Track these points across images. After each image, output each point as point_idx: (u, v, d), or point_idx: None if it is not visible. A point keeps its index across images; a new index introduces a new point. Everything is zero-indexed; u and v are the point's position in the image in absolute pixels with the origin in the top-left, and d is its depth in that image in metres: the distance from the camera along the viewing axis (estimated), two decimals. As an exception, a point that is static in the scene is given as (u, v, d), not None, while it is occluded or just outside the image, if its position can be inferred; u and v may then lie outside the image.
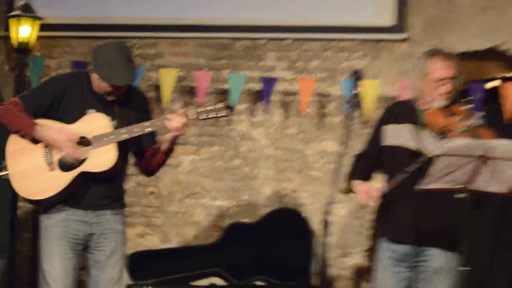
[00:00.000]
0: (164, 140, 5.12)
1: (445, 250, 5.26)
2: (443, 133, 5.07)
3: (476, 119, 5.13)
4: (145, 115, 5.26)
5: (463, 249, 5.18)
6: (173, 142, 5.15)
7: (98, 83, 5.06)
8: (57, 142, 4.97)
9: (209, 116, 5.08)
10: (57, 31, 7.99)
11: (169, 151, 5.20)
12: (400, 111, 5.41)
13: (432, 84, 5.21)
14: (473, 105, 5.20)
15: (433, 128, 5.14)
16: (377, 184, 5.18)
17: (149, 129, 5.04)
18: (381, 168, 5.31)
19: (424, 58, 5.30)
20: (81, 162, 5.01)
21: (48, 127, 5.01)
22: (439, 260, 5.26)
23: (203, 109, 5.08)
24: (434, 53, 5.30)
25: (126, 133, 4.99)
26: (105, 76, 5.00)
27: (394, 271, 5.37)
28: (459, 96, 5.28)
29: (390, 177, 5.27)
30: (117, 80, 5.01)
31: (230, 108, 5.10)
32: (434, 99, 5.22)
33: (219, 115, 5.07)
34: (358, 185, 5.24)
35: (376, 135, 5.46)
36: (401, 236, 5.31)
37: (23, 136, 5.03)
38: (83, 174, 5.01)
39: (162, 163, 5.30)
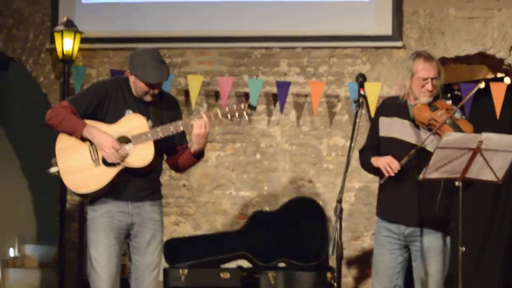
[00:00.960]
0: (193, 141, 5.09)
1: (435, 231, 5.26)
2: (428, 125, 5.11)
3: (456, 113, 5.17)
4: (177, 116, 5.27)
5: (454, 229, 5.20)
6: (202, 145, 5.11)
7: (135, 85, 5.08)
8: (101, 144, 4.99)
9: (235, 115, 5.06)
10: (96, 43, 7.97)
11: (199, 155, 5.19)
12: (390, 106, 5.42)
13: (417, 83, 5.24)
14: (452, 101, 5.24)
15: (420, 121, 5.16)
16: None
17: (182, 128, 5.04)
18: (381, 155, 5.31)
19: (410, 60, 5.32)
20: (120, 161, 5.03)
21: (95, 128, 5.03)
22: (429, 240, 5.27)
23: (228, 109, 5.07)
24: (418, 55, 5.32)
25: (161, 132, 5.00)
26: (140, 76, 5.02)
27: (391, 248, 5.38)
28: (442, 92, 5.32)
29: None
30: (152, 78, 5.03)
31: (251, 107, 5.09)
32: (420, 95, 5.24)
33: (243, 114, 5.06)
34: (378, 159, 5.25)
35: (373, 128, 5.50)
36: (394, 216, 5.34)
37: (71, 135, 5.03)
38: (126, 169, 5.02)
39: (191, 164, 5.29)
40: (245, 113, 5.05)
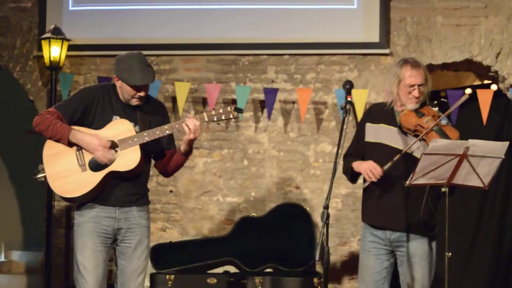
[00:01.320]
0: (182, 142, 5.14)
1: (421, 236, 5.28)
2: (414, 131, 5.13)
3: (443, 120, 5.19)
4: (164, 120, 5.29)
5: (440, 235, 5.21)
6: (191, 144, 5.17)
7: (122, 89, 5.11)
8: (90, 146, 5.00)
9: (222, 118, 5.08)
10: (83, 50, 7.97)
11: (187, 153, 5.22)
12: (377, 113, 5.44)
13: (404, 90, 5.25)
14: (438, 108, 5.26)
15: (406, 127, 5.17)
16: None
17: (168, 132, 5.06)
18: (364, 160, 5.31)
19: (398, 66, 5.33)
20: (110, 163, 5.04)
21: (81, 132, 5.04)
22: (415, 245, 5.28)
23: (215, 112, 5.08)
24: (405, 62, 5.33)
25: (148, 136, 5.02)
26: (127, 79, 5.05)
27: (376, 253, 5.40)
28: (429, 99, 5.34)
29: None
30: (137, 81, 5.06)
31: (238, 110, 5.09)
32: (407, 102, 5.26)
33: (229, 117, 5.08)
34: (360, 164, 5.26)
35: (358, 134, 5.51)
36: (380, 222, 5.35)
37: (58, 141, 5.05)
38: (112, 173, 5.04)
39: (180, 164, 5.32)
40: (231, 115, 5.07)
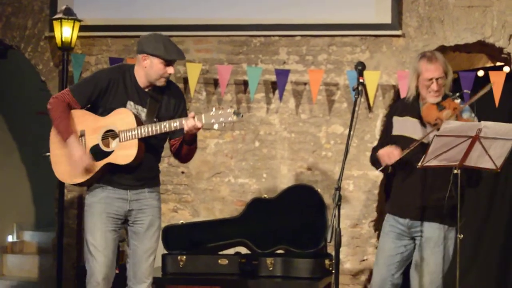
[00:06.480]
0: (184, 133, 5.15)
1: (437, 223, 5.31)
2: (435, 125, 5.14)
3: (465, 113, 5.20)
4: (180, 104, 5.32)
5: (455, 221, 5.23)
6: (192, 136, 5.18)
7: (151, 69, 5.11)
8: (74, 157, 5.05)
9: (219, 121, 5.04)
10: (95, 31, 7.97)
11: (190, 142, 5.23)
12: (403, 106, 5.48)
13: (423, 84, 5.27)
14: (461, 100, 5.26)
15: (427, 120, 5.20)
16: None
17: (167, 129, 5.08)
18: None
19: (416, 61, 5.37)
20: (109, 153, 5.09)
21: (77, 143, 5.08)
22: (430, 231, 5.32)
23: (214, 114, 5.05)
24: (422, 56, 5.38)
25: (146, 131, 5.05)
26: (163, 54, 5.08)
27: (393, 237, 5.45)
28: (451, 90, 5.35)
29: (398, 161, 5.31)
30: (175, 55, 5.14)
31: (238, 114, 5.05)
32: (427, 96, 5.28)
33: (228, 119, 5.04)
34: (380, 151, 5.31)
35: (386, 128, 5.59)
36: (401, 211, 5.40)
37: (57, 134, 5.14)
38: (109, 164, 5.08)
39: (188, 153, 5.35)
40: (230, 119, 5.03)
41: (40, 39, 8.14)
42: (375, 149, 5.49)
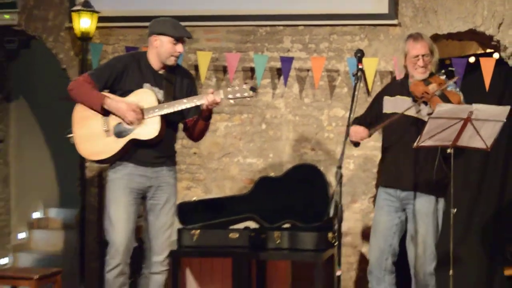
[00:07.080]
0: (202, 109, 5.22)
1: (427, 194, 5.36)
2: (422, 98, 5.19)
3: (450, 86, 5.26)
4: (192, 88, 5.36)
5: (444, 192, 5.29)
6: (209, 112, 5.25)
7: (161, 49, 5.16)
8: (119, 112, 5.06)
9: (236, 96, 5.11)
10: (112, 22, 8.01)
11: (207, 118, 5.28)
12: (394, 86, 5.57)
13: (410, 61, 5.33)
14: (445, 77, 5.33)
15: (415, 95, 5.27)
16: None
17: (187, 105, 5.11)
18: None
19: (404, 42, 5.45)
20: (132, 130, 5.11)
21: (113, 100, 5.09)
22: (420, 202, 5.36)
23: (231, 90, 5.11)
24: (408, 37, 5.48)
25: (168, 108, 5.07)
26: (172, 32, 5.14)
27: (388, 210, 5.50)
28: (437, 69, 5.42)
29: (385, 135, 5.43)
30: (183, 32, 5.20)
31: (253, 89, 5.13)
32: (414, 73, 5.35)
33: (244, 95, 5.11)
34: (353, 127, 5.38)
35: (373, 105, 5.65)
36: (392, 182, 5.44)
37: (91, 107, 5.11)
38: (134, 140, 5.10)
39: (203, 129, 5.39)
40: (246, 93, 5.09)
41: (60, 30, 8.17)
42: (354, 121, 5.55)
